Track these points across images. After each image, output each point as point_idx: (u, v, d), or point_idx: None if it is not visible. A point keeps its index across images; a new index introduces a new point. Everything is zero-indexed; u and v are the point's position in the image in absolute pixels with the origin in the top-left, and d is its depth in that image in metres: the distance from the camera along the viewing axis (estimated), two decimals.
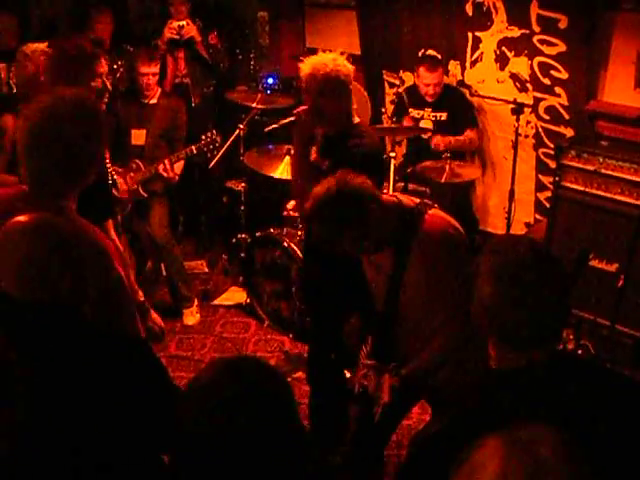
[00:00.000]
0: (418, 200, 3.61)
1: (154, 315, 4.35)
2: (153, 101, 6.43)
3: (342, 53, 4.45)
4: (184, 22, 7.30)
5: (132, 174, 6.20)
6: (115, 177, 5.90)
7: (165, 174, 6.07)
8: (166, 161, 6.06)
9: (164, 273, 6.84)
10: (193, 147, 6.18)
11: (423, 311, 3.56)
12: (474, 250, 6.87)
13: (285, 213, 6.48)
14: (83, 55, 4.37)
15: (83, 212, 3.18)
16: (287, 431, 1.94)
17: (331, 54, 4.41)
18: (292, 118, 4.63)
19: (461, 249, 3.57)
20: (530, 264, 2.34)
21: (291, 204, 6.37)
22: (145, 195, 6.30)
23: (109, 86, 4.74)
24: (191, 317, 6.53)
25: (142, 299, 4.30)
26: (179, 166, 6.27)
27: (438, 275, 3.44)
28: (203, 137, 6.23)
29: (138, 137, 6.35)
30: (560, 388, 2.28)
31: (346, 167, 3.65)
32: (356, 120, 4.50)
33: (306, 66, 4.34)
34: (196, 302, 6.67)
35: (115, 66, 6.83)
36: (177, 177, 6.26)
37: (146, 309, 4.24)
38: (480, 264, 2.44)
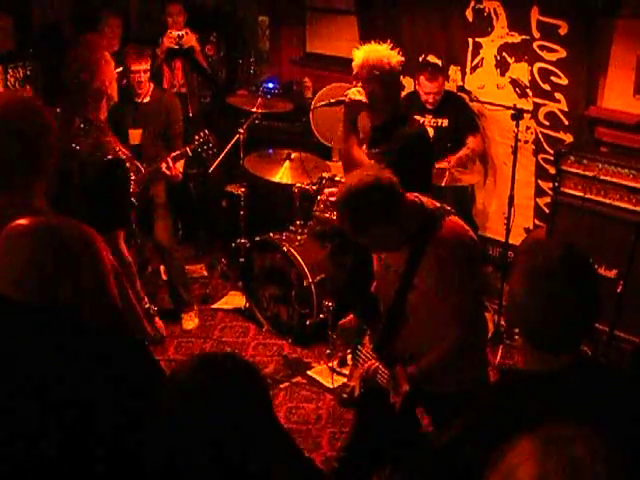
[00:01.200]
0: (439, 204, 3.64)
1: (159, 322, 4.39)
2: (146, 99, 6.35)
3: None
4: (184, 32, 7.30)
5: (133, 177, 6.14)
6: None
7: (168, 172, 5.96)
8: (169, 159, 5.96)
9: (164, 277, 6.85)
10: (187, 148, 6.08)
11: (428, 314, 3.57)
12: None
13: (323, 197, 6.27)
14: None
15: (91, 220, 3.20)
16: (259, 423, 1.94)
17: (383, 45, 4.59)
18: (342, 97, 4.66)
19: (474, 259, 3.61)
20: (563, 267, 2.35)
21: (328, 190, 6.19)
22: (149, 195, 6.27)
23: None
24: (190, 322, 6.52)
25: (147, 305, 4.34)
26: (180, 164, 6.17)
27: (448, 280, 3.45)
28: (196, 137, 6.12)
29: (135, 137, 6.27)
30: (586, 392, 2.30)
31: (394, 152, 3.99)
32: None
33: (360, 52, 4.56)
34: (195, 307, 6.67)
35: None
36: (180, 175, 6.18)
37: (152, 315, 4.28)
38: (515, 264, 2.47)
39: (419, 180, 4.34)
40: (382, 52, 4.55)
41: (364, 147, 4.70)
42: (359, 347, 3.94)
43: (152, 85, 6.42)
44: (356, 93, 4.52)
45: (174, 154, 6.01)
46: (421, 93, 6.62)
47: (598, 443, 1.60)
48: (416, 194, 3.64)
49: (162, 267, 6.91)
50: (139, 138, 6.29)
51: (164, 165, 5.96)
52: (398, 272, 3.62)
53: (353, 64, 4.61)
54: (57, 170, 3.77)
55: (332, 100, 4.89)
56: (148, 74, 6.34)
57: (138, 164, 6.12)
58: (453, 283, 3.45)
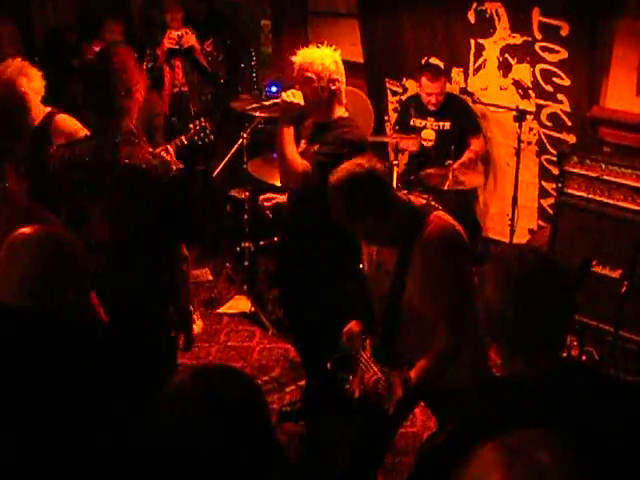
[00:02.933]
0: (424, 201, 3.66)
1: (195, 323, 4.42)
2: None
3: None
4: (183, 31, 7.32)
5: None
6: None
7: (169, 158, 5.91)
8: (169, 146, 5.87)
9: None
10: (183, 137, 5.86)
11: (422, 311, 3.56)
12: (477, 257, 6.92)
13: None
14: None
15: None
16: (253, 436, 1.94)
17: (325, 49, 4.61)
18: (277, 100, 4.72)
19: (462, 252, 3.59)
20: (537, 272, 2.36)
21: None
22: None
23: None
24: (194, 325, 6.43)
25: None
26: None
27: (436, 275, 3.44)
28: (191, 125, 5.94)
29: None
30: (565, 396, 2.29)
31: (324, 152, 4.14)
32: (343, 114, 4.67)
33: (296, 57, 4.61)
34: (197, 311, 6.60)
35: None
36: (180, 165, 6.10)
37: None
38: (487, 272, 2.46)
39: None
40: (316, 54, 4.57)
41: (303, 141, 4.78)
42: (360, 351, 3.94)
43: None
44: (290, 95, 4.53)
45: (171, 143, 5.94)
46: (423, 95, 6.63)
47: (562, 449, 1.60)
48: (402, 192, 3.67)
49: None
50: None
51: (164, 152, 5.88)
52: (389, 272, 3.62)
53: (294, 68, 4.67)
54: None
55: (266, 103, 5.07)
56: None
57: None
58: (439, 282, 3.44)
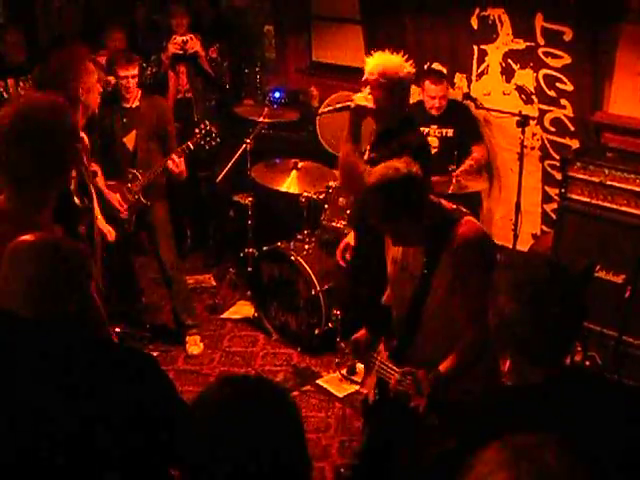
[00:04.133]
0: (455, 206, 3.68)
1: None
2: (135, 104, 6.24)
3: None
4: (188, 37, 7.33)
5: (129, 185, 6.10)
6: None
7: (176, 169, 5.95)
8: (174, 155, 5.95)
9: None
10: (189, 143, 6.05)
11: (446, 319, 3.59)
12: None
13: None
14: (63, 70, 4.38)
15: None
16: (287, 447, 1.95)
17: (398, 56, 4.66)
18: (348, 103, 4.68)
19: (491, 259, 3.62)
20: (547, 281, 2.36)
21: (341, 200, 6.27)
22: (148, 203, 6.16)
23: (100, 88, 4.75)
24: (195, 347, 6.38)
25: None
26: (182, 162, 6.09)
27: (464, 281, 3.48)
28: (197, 130, 6.10)
29: (130, 142, 6.22)
30: (574, 404, 2.30)
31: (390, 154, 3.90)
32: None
33: (373, 59, 4.62)
34: (199, 337, 6.53)
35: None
36: (185, 172, 6.11)
37: None
38: (496, 280, 2.47)
39: None
40: (394, 61, 4.60)
41: (366, 152, 4.73)
42: (374, 355, 3.94)
43: (140, 91, 6.31)
44: (362, 99, 4.55)
45: (179, 149, 5.99)
46: (426, 99, 6.62)
47: (568, 450, 1.60)
48: (433, 195, 3.68)
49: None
50: (132, 143, 6.22)
51: (170, 162, 5.94)
52: (414, 275, 3.63)
53: (365, 69, 4.65)
54: None
55: (338, 105, 4.89)
56: (136, 80, 6.22)
57: (134, 171, 6.10)
58: (471, 284, 3.45)
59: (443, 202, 3.70)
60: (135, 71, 6.20)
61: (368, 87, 4.59)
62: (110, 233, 5.65)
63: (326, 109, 4.96)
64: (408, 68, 4.62)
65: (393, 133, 4.55)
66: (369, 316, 4.11)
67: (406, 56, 4.68)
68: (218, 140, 6.19)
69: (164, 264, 6.31)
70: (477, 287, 3.42)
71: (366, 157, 4.69)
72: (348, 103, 4.66)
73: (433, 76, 6.58)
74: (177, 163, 5.97)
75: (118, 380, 2.39)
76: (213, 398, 2.03)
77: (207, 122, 6.17)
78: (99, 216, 5.58)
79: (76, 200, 4.19)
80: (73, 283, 2.43)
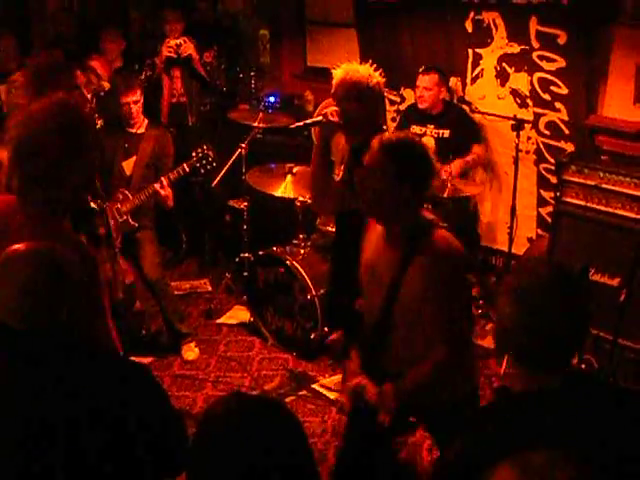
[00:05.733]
0: (432, 216, 3.63)
1: None
2: (140, 130, 6.26)
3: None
4: (182, 40, 7.33)
5: (119, 205, 6.01)
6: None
7: (163, 192, 5.92)
8: (163, 179, 5.94)
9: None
10: (185, 165, 6.04)
11: (414, 329, 3.53)
12: (476, 267, 6.92)
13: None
14: (56, 66, 4.34)
15: None
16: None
17: (367, 66, 4.55)
18: (319, 118, 4.57)
19: (462, 272, 3.59)
20: (550, 288, 2.35)
21: None
22: (135, 225, 6.11)
23: (88, 97, 4.70)
24: (190, 352, 6.34)
25: None
26: (169, 189, 6.05)
27: (436, 290, 3.41)
28: (194, 154, 6.09)
29: (128, 167, 6.20)
30: (575, 411, 2.30)
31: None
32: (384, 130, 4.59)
33: (339, 71, 4.48)
34: (195, 339, 6.50)
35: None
36: (172, 202, 6.08)
37: None
38: (503, 285, 2.47)
39: None
40: (362, 71, 4.47)
41: (339, 169, 4.68)
42: (348, 362, 3.91)
43: (147, 120, 6.33)
44: (334, 113, 4.42)
45: (174, 171, 5.98)
46: (417, 92, 6.61)
47: (575, 468, 1.60)
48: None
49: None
50: (130, 168, 6.20)
51: (158, 185, 5.93)
52: (383, 282, 3.56)
53: (333, 82, 4.52)
54: None
55: (308, 121, 4.81)
56: (139, 105, 6.22)
57: (126, 192, 6.07)
58: (444, 297, 3.42)
59: (424, 211, 3.66)
60: (136, 97, 6.19)
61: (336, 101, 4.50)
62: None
63: (299, 123, 4.87)
64: (377, 78, 4.50)
65: (364, 147, 4.49)
66: (344, 321, 4.05)
67: (374, 66, 4.59)
68: (214, 164, 6.17)
69: (147, 279, 6.20)
70: (451, 299, 3.44)
71: (339, 176, 4.64)
72: (319, 118, 4.55)
73: (424, 69, 6.56)
74: (165, 187, 5.95)
75: (108, 388, 2.39)
76: (219, 411, 2.05)
77: (205, 146, 6.15)
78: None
79: (92, 204, 4.18)
80: (65, 292, 2.42)
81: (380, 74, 4.55)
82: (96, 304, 3.10)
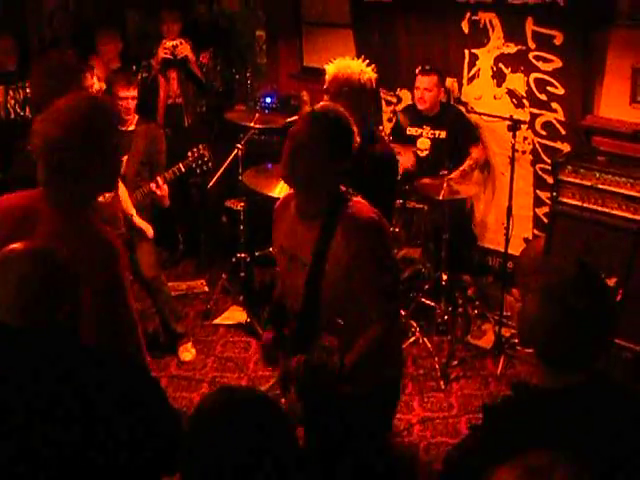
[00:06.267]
0: (345, 187, 3.52)
1: None
2: (131, 128, 6.21)
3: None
4: (178, 42, 7.33)
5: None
6: None
7: (159, 192, 5.89)
8: (159, 178, 5.91)
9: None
10: (181, 165, 6.01)
11: (344, 300, 3.42)
12: (473, 268, 6.92)
13: None
14: (68, 67, 4.32)
15: None
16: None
17: (358, 61, 4.59)
18: None
19: (385, 235, 3.50)
20: (577, 288, 2.36)
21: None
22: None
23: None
24: (187, 353, 6.35)
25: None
26: (165, 188, 6.03)
27: (361, 258, 3.33)
28: (190, 153, 6.06)
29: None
30: (598, 410, 2.31)
31: (361, 170, 3.80)
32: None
33: (331, 67, 4.54)
34: (191, 338, 6.52)
35: None
36: (168, 200, 6.06)
37: None
38: (531, 282, 2.48)
39: (384, 199, 4.31)
40: (354, 67, 4.52)
41: None
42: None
43: (137, 116, 6.28)
44: None
45: (170, 171, 5.96)
46: (416, 93, 6.62)
47: (578, 470, 1.61)
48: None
49: None
50: (123, 166, 5.99)
51: (154, 185, 5.90)
52: (305, 263, 3.45)
53: (326, 78, 4.58)
54: None
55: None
56: (135, 101, 6.19)
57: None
58: (371, 261, 3.35)
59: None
60: (135, 92, 6.17)
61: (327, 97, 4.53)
62: (148, 229, 5.80)
63: (293, 118, 4.84)
64: (370, 73, 4.55)
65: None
66: (278, 320, 3.94)
67: (367, 61, 4.64)
68: (210, 165, 6.12)
69: (144, 279, 6.17)
70: (378, 263, 3.37)
71: None
72: None
73: (423, 69, 6.57)
74: (161, 187, 5.91)
75: (104, 388, 2.39)
76: (209, 405, 2.07)
77: (201, 146, 6.11)
78: (134, 213, 5.66)
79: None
80: (63, 291, 2.43)
81: (373, 69, 4.59)
82: (121, 308, 3.12)
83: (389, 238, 3.56)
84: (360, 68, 4.53)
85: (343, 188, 3.50)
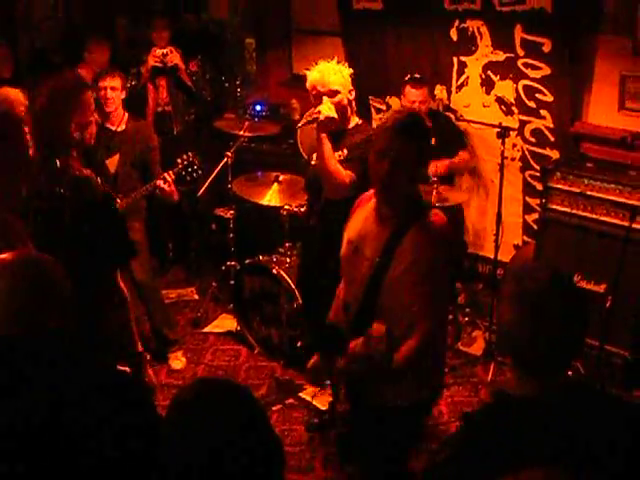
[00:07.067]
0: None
1: (150, 371, 4.32)
2: (121, 127, 6.16)
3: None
4: (168, 50, 7.31)
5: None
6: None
7: (168, 188, 5.73)
8: (166, 175, 5.75)
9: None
10: (171, 172, 5.83)
11: (400, 300, 3.51)
12: (464, 275, 6.92)
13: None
14: (74, 91, 4.27)
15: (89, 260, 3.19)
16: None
17: (333, 62, 4.82)
18: (315, 115, 4.68)
19: (449, 255, 3.71)
20: (549, 293, 2.36)
21: None
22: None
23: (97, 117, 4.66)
24: (177, 361, 6.35)
25: (140, 349, 4.25)
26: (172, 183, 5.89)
27: (422, 266, 3.44)
28: (179, 160, 5.91)
29: (112, 165, 6.09)
30: (573, 415, 2.30)
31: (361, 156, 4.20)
32: (358, 121, 4.90)
33: (315, 73, 4.74)
34: (182, 346, 6.52)
35: None
36: (176, 194, 5.92)
37: (142, 362, 4.18)
38: (503, 290, 2.49)
39: None
40: (335, 67, 4.76)
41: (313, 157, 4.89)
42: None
43: (127, 114, 6.23)
44: (328, 110, 4.58)
45: (171, 171, 5.82)
46: (407, 104, 6.62)
47: None
48: None
49: None
50: (114, 167, 6.09)
51: (161, 182, 5.73)
52: (368, 257, 3.59)
53: (309, 83, 4.76)
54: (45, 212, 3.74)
55: (309, 118, 4.83)
56: (117, 93, 6.09)
57: (114, 195, 5.99)
58: (427, 270, 3.44)
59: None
60: (115, 83, 6.08)
61: (326, 98, 4.66)
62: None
63: (301, 122, 4.93)
64: (347, 70, 4.81)
65: (347, 132, 4.76)
66: (321, 338, 4.01)
67: (341, 63, 4.86)
68: (200, 172, 6.05)
69: (138, 284, 6.14)
70: (432, 274, 3.46)
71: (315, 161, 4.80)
72: (315, 115, 4.66)
73: (414, 81, 6.58)
74: (169, 182, 5.75)
75: (89, 397, 2.38)
76: (183, 398, 2.08)
77: (190, 153, 6.02)
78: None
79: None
80: (53, 299, 2.42)
81: (343, 64, 4.88)
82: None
83: (450, 258, 3.80)
84: (340, 66, 4.79)
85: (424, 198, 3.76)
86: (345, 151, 4.70)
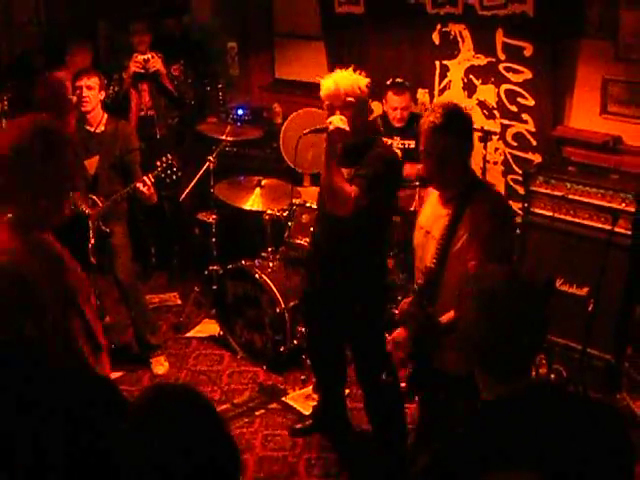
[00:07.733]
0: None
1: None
2: (100, 129, 6.14)
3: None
4: (149, 55, 7.28)
5: (88, 210, 5.87)
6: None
7: (147, 191, 5.74)
8: (145, 178, 5.75)
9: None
10: (150, 175, 5.81)
11: (460, 273, 3.62)
12: None
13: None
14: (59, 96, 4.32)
15: None
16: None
17: (352, 72, 4.64)
18: (325, 125, 4.50)
19: (508, 222, 4.11)
20: (504, 292, 2.37)
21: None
22: (107, 230, 5.99)
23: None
24: (160, 366, 6.31)
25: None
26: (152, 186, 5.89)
27: (479, 235, 3.70)
28: (158, 163, 5.89)
29: (91, 166, 6.06)
30: (538, 420, 2.29)
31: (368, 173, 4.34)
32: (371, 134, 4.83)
33: (329, 81, 4.57)
34: (164, 356, 6.46)
35: None
36: (155, 197, 5.93)
37: None
38: (464, 291, 2.50)
39: (389, 201, 4.74)
40: (351, 78, 4.56)
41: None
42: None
43: (106, 115, 6.21)
44: (339, 121, 4.40)
45: (150, 174, 5.80)
46: (389, 110, 6.65)
47: None
48: None
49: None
50: (93, 168, 6.07)
51: (141, 184, 5.74)
52: (436, 238, 3.84)
53: (322, 94, 4.56)
54: None
55: (318, 127, 4.68)
56: (94, 92, 6.04)
57: (94, 198, 5.95)
58: (480, 242, 3.68)
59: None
60: (91, 82, 6.04)
61: (337, 111, 4.49)
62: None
63: (306, 130, 4.77)
64: (364, 80, 4.61)
65: (361, 147, 4.56)
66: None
67: (358, 71, 4.66)
68: (179, 174, 6.01)
69: (122, 285, 6.17)
70: (489, 243, 3.68)
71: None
72: (326, 125, 4.48)
73: (396, 87, 6.59)
74: (149, 185, 5.75)
75: (64, 406, 2.36)
76: (137, 405, 2.08)
77: (169, 155, 6.00)
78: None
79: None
80: (28, 307, 2.40)
81: (362, 74, 4.65)
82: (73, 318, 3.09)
83: (510, 224, 4.20)
84: (356, 76, 4.60)
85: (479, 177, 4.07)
86: (352, 170, 4.52)
